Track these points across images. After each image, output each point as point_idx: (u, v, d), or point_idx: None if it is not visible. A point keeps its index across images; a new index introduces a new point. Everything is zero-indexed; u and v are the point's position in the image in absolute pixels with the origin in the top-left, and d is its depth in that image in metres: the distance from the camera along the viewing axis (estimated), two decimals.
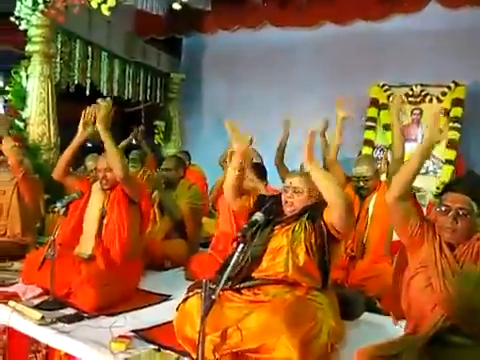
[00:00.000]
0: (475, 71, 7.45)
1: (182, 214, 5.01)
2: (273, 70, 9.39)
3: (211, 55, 10.61)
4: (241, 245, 2.81)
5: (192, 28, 9.97)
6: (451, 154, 7.08)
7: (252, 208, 3.36)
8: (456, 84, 7.37)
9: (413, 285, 2.45)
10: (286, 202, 3.21)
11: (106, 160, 3.92)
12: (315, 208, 3.14)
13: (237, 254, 2.78)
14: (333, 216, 2.97)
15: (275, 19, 9.02)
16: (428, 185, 6.94)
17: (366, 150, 7.64)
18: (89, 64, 7.83)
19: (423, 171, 7.15)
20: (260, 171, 4.72)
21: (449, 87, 7.39)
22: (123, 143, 7.51)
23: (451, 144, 7.10)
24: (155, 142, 10.57)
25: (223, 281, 2.72)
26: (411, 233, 2.51)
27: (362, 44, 8.35)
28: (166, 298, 3.95)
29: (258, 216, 2.98)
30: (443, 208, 2.42)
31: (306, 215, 3.12)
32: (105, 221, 3.96)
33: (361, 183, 4.20)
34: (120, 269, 3.85)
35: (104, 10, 5.94)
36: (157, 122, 10.59)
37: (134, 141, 7.97)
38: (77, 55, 7.46)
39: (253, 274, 3.14)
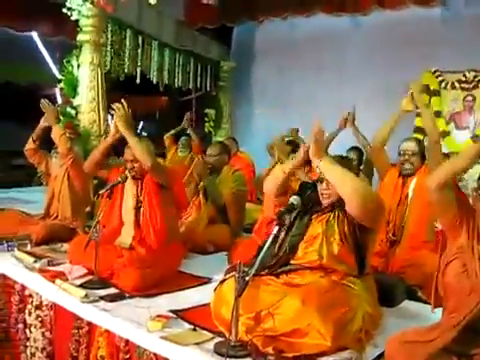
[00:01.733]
0: None
1: (225, 199, 5.05)
2: (323, 58, 9.34)
3: (261, 43, 10.64)
4: (276, 227, 2.83)
5: (242, 16, 9.98)
6: None
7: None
8: None
9: (449, 271, 2.40)
10: (322, 194, 3.20)
11: (131, 151, 4.03)
12: None
13: (272, 236, 2.80)
14: (351, 211, 2.95)
15: (325, 6, 8.93)
16: (472, 173, 6.73)
17: (417, 137, 7.46)
18: (139, 53, 7.97)
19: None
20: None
21: None
22: (173, 131, 7.64)
23: None
24: (205, 130, 10.70)
25: (257, 263, 2.76)
26: (451, 221, 2.45)
27: (413, 30, 8.17)
28: (207, 281, 3.99)
29: (294, 199, 2.99)
30: None
31: (340, 205, 3.09)
32: (142, 210, 4.05)
33: (406, 156, 4.11)
34: (160, 253, 3.94)
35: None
36: (207, 110, 10.71)
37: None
38: (127, 44, 7.61)
39: (291, 261, 3.16)
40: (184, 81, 9.58)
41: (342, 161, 3.22)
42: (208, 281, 3.99)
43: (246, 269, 2.73)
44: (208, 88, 10.45)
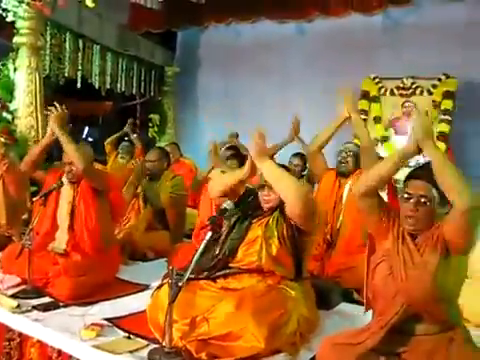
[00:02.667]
0: (466, 64, 7.43)
1: (164, 204, 5.01)
2: (267, 63, 9.41)
3: (206, 48, 10.64)
4: (209, 233, 2.83)
5: (187, 22, 9.93)
6: (441, 147, 7.03)
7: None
8: (447, 76, 7.36)
9: (377, 273, 2.45)
10: (263, 200, 3.22)
11: None
12: None
13: (205, 242, 2.79)
14: (291, 213, 3.01)
15: (269, 12, 8.99)
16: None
17: (357, 143, 7.59)
18: (80, 57, 7.83)
19: (412, 163, 7.12)
20: (241, 160, 4.72)
21: (440, 79, 7.37)
22: (114, 136, 7.52)
23: (441, 137, 7.07)
24: (149, 135, 10.61)
25: (190, 269, 2.75)
26: (377, 225, 2.51)
27: (355, 37, 8.35)
28: (145, 288, 3.94)
29: (227, 204, 3.00)
30: (405, 195, 2.41)
31: (279, 209, 3.14)
32: (75, 215, 3.97)
33: (343, 154, 4.22)
34: (96, 260, 3.86)
35: (88, 2, 5.93)
36: (152, 116, 10.62)
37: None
38: (67, 48, 7.46)
39: (229, 265, 3.17)
40: (127, 86, 9.47)
41: (283, 166, 3.28)
42: (146, 288, 3.94)
43: (180, 274, 2.72)
44: (152, 93, 10.36)
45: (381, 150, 7.46)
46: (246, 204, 3.28)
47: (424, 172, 2.45)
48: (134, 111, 11.05)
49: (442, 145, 7.04)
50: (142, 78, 9.94)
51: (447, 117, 7.13)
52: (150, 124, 10.68)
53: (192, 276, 3.04)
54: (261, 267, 3.06)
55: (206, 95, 10.50)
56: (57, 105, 3.95)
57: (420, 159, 6.95)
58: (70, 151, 3.84)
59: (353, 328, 2.62)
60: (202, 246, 2.79)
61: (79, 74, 7.88)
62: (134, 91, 9.81)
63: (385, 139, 7.46)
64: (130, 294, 3.83)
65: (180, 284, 2.68)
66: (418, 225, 2.38)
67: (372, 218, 2.51)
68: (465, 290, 3.38)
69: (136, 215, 5.07)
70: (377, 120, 7.60)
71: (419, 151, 2.37)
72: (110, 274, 4.05)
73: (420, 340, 2.35)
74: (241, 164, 4.64)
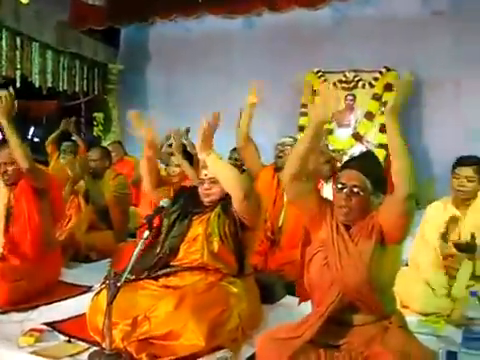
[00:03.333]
0: (407, 57, 7.58)
1: (106, 203, 4.92)
2: (214, 59, 9.35)
3: (151, 45, 10.50)
4: (146, 232, 2.79)
5: (130, 18, 9.77)
6: (383, 138, 7.13)
7: (172, 199, 3.35)
8: (388, 69, 7.47)
9: (312, 265, 2.46)
10: (203, 194, 3.20)
11: (6, 153, 3.77)
12: (228, 197, 3.14)
13: (142, 242, 2.76)
14: (235, 204, 3.01)
15: (212, 7, 8.93)
16: None
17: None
18: (18, 55, 7.59)
19: (356, 155, 7.24)
20: (191, 158, 4.70)
21: (381, 72, 7.49)
22: (54, 135, 7.33)
23: (384, 128, 7.15)
24: (94, 134, 10.42)
25: (128, 269, 2.71)
26: (311, 214, 2.51)
27: (300, 31, 8.39)
28: (87, 290, 3.87)
29: (164, 202, 2.96)
30: (338, 186, 2.42)
31: (220, 204, 3.14)
32: (13, 217, 3.84)
33: (280, 148, 4.26)
34: (36, 262, 3.74)
35: None
36: (96, 114, 10.43)
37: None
38: (4, 45, 7.22)
39: (171, 263, 3.14)
40: (70, 84, 9.21)
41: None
42: (88, 290, 3.87)
43: (119, 275, 2.68)
44: (96, 91, 10.16)
45: (325, 143, 7.54)
46: (185, 201, 3.25)
47: (357, 162, 2.49)
48: (79, 110, 10.82)
49: (385, 137, 7.15)
50: (85, 76, 9.71)
51: None
52: (94, 123, 10.49)
53: (132, 277, 3.03)
54: (203, 265, 3.05)
55: (152, 92, 10.37)
56: (2, 95, 3.75)
57: (355, 152, 7.20)
58: (16, 147, 3.62)
59: (294, 321, 2.63)
60: (139, 246, 2.75)
61: (18, 73, 7.63)
62: (77, 89, 9.56)
63: (329, 132, 7.53)
64: (72, 297, 3.76)
65: (118, 285, 2.64)
66: (352, 215, 2.40)
67: (305, 205, 2.50)
68: (403, 278, 3.48)
69: (76, 213, 4.96)
70: None
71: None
72: (51, 277, 3.95)
73: (357, 330, 2.37)
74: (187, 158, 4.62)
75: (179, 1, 8.92)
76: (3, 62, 7.22)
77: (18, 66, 7.60)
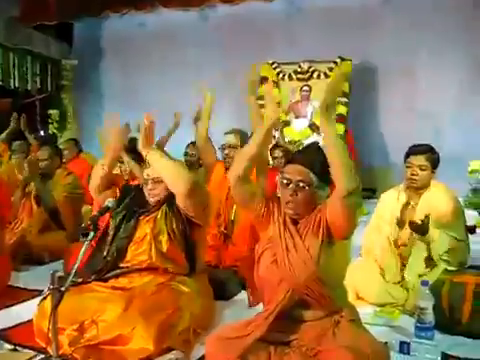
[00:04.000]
0: (361, 46, 7.63)
1: (57, 203, 4.79)
2: (168, 53, 9.29)
3: (104, 40, 10.37)
4: (91, 233, 2.70)
5: (81, 12, 9.58)
6: (340, 128, 7.17)
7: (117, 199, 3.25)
8: (342, 59, 7.51)
9: (261, 262, 2.41)
10: (149, 194, 3.13)
11: None
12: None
13: (86, 244, 2.66)
14: (179, 202, 2.96)
15: (166, 1, 8.84)
16: None
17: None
18: None
19: (300, 149, 7.24)
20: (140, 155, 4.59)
21: (335, 62, 7.51)
22: (3, 134, 7.12)
23: (339, 118, 7.19)
24: (50, 132, 10.20)
25: (73, 272, 2.61)
26: (257, 213, 2.46)
27: (252, 23, 8.38)
28: (38, 294, 3.74)
29: (109, 202, 2.86)
30: (284, 181, 2.38)
31: (167, 203, 3.06)
32: None
33: (226, 151, 4.12)
34: None
35: None
36: (51, 111, 10.20)
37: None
38: None
39: (119, 265, 3.05)
40: (21, 82, 9.03)
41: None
42: (39, 293, 3.72)
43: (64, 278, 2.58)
44: (50, 88, 9.95)
45: (282, 135, 7.53)
46: (131, 201, 3.17)
47: (301, 156, 2.44)
48: (34, 107, 10.58)
49: (341, 127, 7.19)
50: (37, 73, 9.51)
51: (344, 99, 7.26)
52: (50, 120, 10.26)
53: (79, 280, 2.95)
54: (152, 265, 2.98)
55: (107, 88, 10.25)
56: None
57: (319, 141, 7.20)
58: None
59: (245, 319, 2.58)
60: (83, 248, 2.65)
61: None
62: (29, 87, 9.37)
63: (286, 124, 7.52)
64: (22, 302, 3.63)
65: (62, 289, 2.54)
66: (298, 210, 2.36)
67: (252, 204, 2.45)
68: (358, 268, 3.49)
69: (28, 216, 4.83)
70: (277, 105, 7.61)
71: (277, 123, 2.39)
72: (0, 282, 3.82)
73: (308, 326, 2.33)
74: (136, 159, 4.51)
75: None
76: None
77: None
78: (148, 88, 9.36)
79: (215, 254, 3.86)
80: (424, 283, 2.70)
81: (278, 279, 2.32)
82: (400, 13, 7.57)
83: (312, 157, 2.40)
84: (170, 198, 3.02)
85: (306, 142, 7.35)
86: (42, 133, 9.53)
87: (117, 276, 3.00)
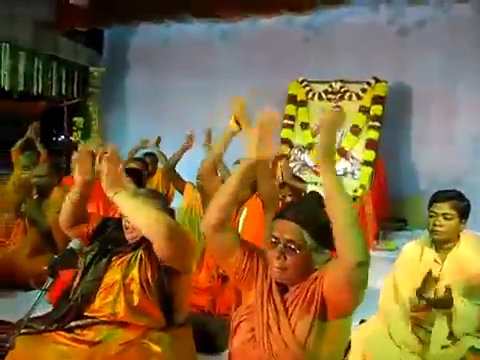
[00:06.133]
0: (397, 69, 7.15)
1: (51, 225, 4.41)
2: (196, 65, 8.99)
3: (134, 48, 10.12)
4: (50, 280, 2.30)
5: (114, 20, 9.37)
6: (370, 155, 6.69)
7: (91, 234, 2.84)
8: (377, 80, 6.98)
9: (237, 336, 1.95)
10: (126, 228, 2.69)
11: None
12: None
13: (40, 293, 2.26)
14: (156, 250, 2.50)
15: (197, 11, 8.53)
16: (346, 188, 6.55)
17: (283, 150, 7.17)
18: None
19: (340, 173, 6.78)
20: (138, 177, 4.20)
21: (369, 83, 6.99)
22: (18, 143, 6.84)
23: (370, 144, 6.71)
24: (74, 140, 9.97)
25: (24, 321, 2.24)
26: (237, 271, 2.00)
27: (282, 39, 8.00)
28: (9, 328, 3.38)
29: (74, 243, 2.46)
30: (272, 239, 1.92)
31: (144, 244, 2.61)
32: None
33: None
34: None
35: None
36: (75, 119, 9.98)
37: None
38: None
39: (86, 314, 2.62)
40: (45, 87, 8.79)
41: (149, 194, 2.78)
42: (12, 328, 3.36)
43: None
44: (75, 95, 9.70)
45: (308, 159, 7.06)
46: (108, 236, 2.75)
47: (294, 210, 1.95)
48: (61, 114, 10.40)
49: (372, 153, 6.69)
50: (63, 79, 9.28)
51: (376, 123, 6.76)
52: (74, 128, 10.03)
53: (41, 327, 2.56)
54: (120, 319, 2.54)
55: (134, 97, 9.98)
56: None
57: (339, 168, 6.70)
58: None
59: None
60: (38, 297, 2.26)
61: None
62: (53, 92, 9.14)
63: (312, 146, 7.04)
64: None
65: (8, 345, 2.15)
66: (287, 276, 1.90)
67: (231, 259, 1.99)
68: (369, 330, 2.99)
69: (23, 236, 4.50)
70: (304, 126, 7.17)
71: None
72: None
73: None
74: (136, 182, 4.14)
75: (163, 3, 8.51)
76: None
77: None
78: (175, 100, 9.07)
79: (210, 299, 3.40)
80: None
81: (255, 359, 1.86)
82: (441, 35, 7.06)
83: (307, 211, 1.93)
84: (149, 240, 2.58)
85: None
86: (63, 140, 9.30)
87: (83, 327, 2.57)
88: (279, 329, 1.84)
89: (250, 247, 2.02)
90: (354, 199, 6.45)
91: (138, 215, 2.45)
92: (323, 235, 1.87)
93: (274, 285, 1.93)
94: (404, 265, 3.05)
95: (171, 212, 2.89)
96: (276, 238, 1.90)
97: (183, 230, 2.62)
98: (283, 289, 1.94)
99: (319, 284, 1.85)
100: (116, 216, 3.04)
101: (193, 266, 2.78)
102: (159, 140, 7.03)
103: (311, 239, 1.87)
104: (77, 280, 2.67)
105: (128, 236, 2.68)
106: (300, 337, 1.80)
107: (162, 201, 2.77)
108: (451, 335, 2.74)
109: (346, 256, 1.68)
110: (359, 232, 1.70)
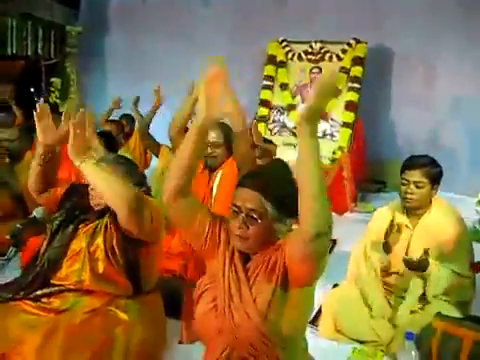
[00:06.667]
0: (377, 30, 7.04)
1: (23, 190, 4.33)
2: (174, 26, 8.80)
3: (112, 7, 9.85)
4: (13, 249, 2.26)
5: None
6: (349, 116, 6.60)
7: (59, 199, 2.78)
8: (357, 41, 6.84)
9: (200, 304, 1.92)
10: (91, 195, 2.63)
11: None
12: None
13: (2, 263, 2.22)
14: (121, 223, 2.46)
15: None
16: (324, 150, 6.51)
17: (262, 111, 7.06)
18: None
19: (319, 134, 6.72)
20: (109, 141, 4.12)
21: (349, 44, 6.85)
22: None
23: (350, 106, 6.61)
24: (51, 101, 9.79)
25: None
26: (199, 239, 1.95)
27: None
28: None
29: (36, 212, 2.41)
30: (233, 208, 1.86)
31: (110, 212, 2.55)
32: None
33: (208, 150, 3.47)
34: None
35: None
36: (53, 79, 9.77)
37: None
38: None
39: (52, 281, 2.58)
40: (19, 47, 8.56)
41: (119, 161, 2.71)
42: None
43: None
44: (53, 55, 9.48)
45: (287, 120, 6.99)
46: (75, 203, 2.70)
47: (256, 179, 1.88)
48: (39, 74, 10.18)
49: (351, 115, 6.63)
50: (39, 38, 9.04)
51: (356, 85, 6.65)
52: (51, 89, 9.83)
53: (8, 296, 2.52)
54: (86, 287, 2.51)
55: (113, 57, 9.77)
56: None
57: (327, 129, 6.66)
58: None
59: None
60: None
61: None
62: (29, 52, 8.91)
63: (292, 108, 6.94)
64: None
65: None
66: (248, 245, 1.86)
67: (193, 225, 1.93)
68: (339, 295, 3.01)
69: None
70: (284, 87, 7.04)
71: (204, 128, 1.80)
72: None
73: None
74: (108, 145, 4.06)
75: None
76: None
77: None
78: (154, 58, 8.92)
79: (182, 264, 3.36)
80: (409, 336, 2.17)
81: (216, 329, 1.83)
82: None
83: (270, 180, 1.86)
84: None
85: None
86: (40, 102, 9.07)
87: (49, 295, 2.54)
88: (240, 298, 1.81)
89: (212, 214, 1.97)
90: (333, 161, 6.43)
91: (102, 185, 2.40)
92: (285, 204, 1.82)
93: (236, 253, 1.90)
94: (375, 230, 3.05)
95: (141, 178, 2.83)
96: (237, 207, 1.85)
97: (148, 201, 2.55)
98: (245, 258, 1.91)
99: (281, 254, 1.81)
100: (85, 182, 2.97)
101: (161, 236, 2.73)
102: (137, 100, 6.91)
103: (273, 208, 1.83)
104: (44, 246, 2.61)
105: (93, 203, 2.62)
106: (261, 307, 1.77)
107: (129, 167, 2.70)
108: (422, 299, 2.77)
109: (306, 226, 1.63)
110: (324, 203, 1.62)
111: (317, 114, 1.60)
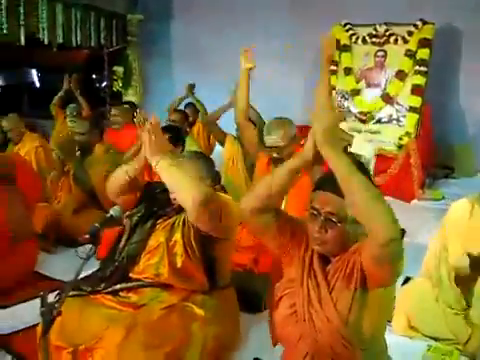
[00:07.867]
0: (445, 10, 6.77)
1: (94, 183, 4.42)
2: (237, 8, 8.73)
3: None
4: (92, 247, 2.31)
5: None
6: (416, 101, 6.42)
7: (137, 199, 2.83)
8: (424, 22, 6.61)
9: (279, 310, 1.94)
10: (171, 193, 2.65)
11: None
12: None
13: (83, 260, 2.27)
14: (190, 218, 2.49)
15: None
16: (390, 136, 6.38)
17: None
18: (21, 11, 7.07)
19: (385, 119, 6.59)
20: (176, 134, 4.15)
21: (416, 26, 6.63)
22: (57, 96, 6.88)
23: (416, 90, 6.43)
24: (114, 89, 9.99)
25: (69, 287, 2.26)
26: (279, 247, 1.99)
27: None
28: (60, 284, 3.44)
29: (113, 210, 2.44)
30: (312, 211, 1.86)
31: None
32: None
33: (274, 154, 3.41)
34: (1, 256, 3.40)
35: None
36: (115, 68, 9.95)
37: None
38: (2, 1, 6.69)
39: (131, 274, 2.66)
40: (84, 38, 8.73)
41: (195, 158, 2.74)
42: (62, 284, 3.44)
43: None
44: (115, 43, 9.65)
45: (351, 105, 6.86)
46: (153, 199, 2.75)
47: (335, 182, 1.83)
48: (102, 63, 10.39)
49: (418, 99, 6.44)
50: (101, 28, 9.21)
51: (423, 68, 6.45)
52: (114, 77, 10.02)
53: (88, 289, 2.60)
54: (165, 282, 2.57)
55: (174, 45, 9.84)
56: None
57: (383, 115, 6.51)
58: None
59: None
60: (80, 266, 2.27)
61: (22, 30, 7.11)
62: (93, 43, 9.09)
63: (356, 92, 6.81)
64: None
65: (54, 314, 2.18)
66: (328, 248, 1.86)
67: (272, 237, 1.97)
68: (414, 291, 2.95)
69: (67, 194, 4.58)
70: (347, 71, 6.90)
71: (319, 159, 1.79)
72: (23, 270, 3.62)
73: None
74: (175, 139, 4.08)
75: None
76: (3, 19, 6.69)
77: (21, 22, 7.06)
78: (215, 43, 8.90)
79: (252, 257, 3.38)
80: None
81: (297, 335, 1.84)
82: None
83: None
84: None
85: (378, 115, 6.67)
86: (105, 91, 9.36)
87: (128, 289, 2.61)
88: (321, 304, 1.81)
89: (292, 223, 1.98)
90: (399, 147, 6.29)
91: (173, 183, 2.46)
92: None
93: (316, 258, 1.90)
94: (451, 223, 2.94)
95: (216, 175, 2.86)
96: (316, 210, 1.85)
97: (220, 199, 2.57)
98: (324, 261, 1.90)
99: (358, 257, 1.81)
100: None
101: (234, 231, 2.75)
102: (193, 86, 6.97)
103: None
104: (123, 242, 2.69)
105: (172, 196, 2.63)
106: (342, 311, 1.77)
107: (205, 165, 2.73)
108: None
109: (376, 234, 1.62)
110: (385, 206, 1.63)
111: (333, 134, 1.68)
